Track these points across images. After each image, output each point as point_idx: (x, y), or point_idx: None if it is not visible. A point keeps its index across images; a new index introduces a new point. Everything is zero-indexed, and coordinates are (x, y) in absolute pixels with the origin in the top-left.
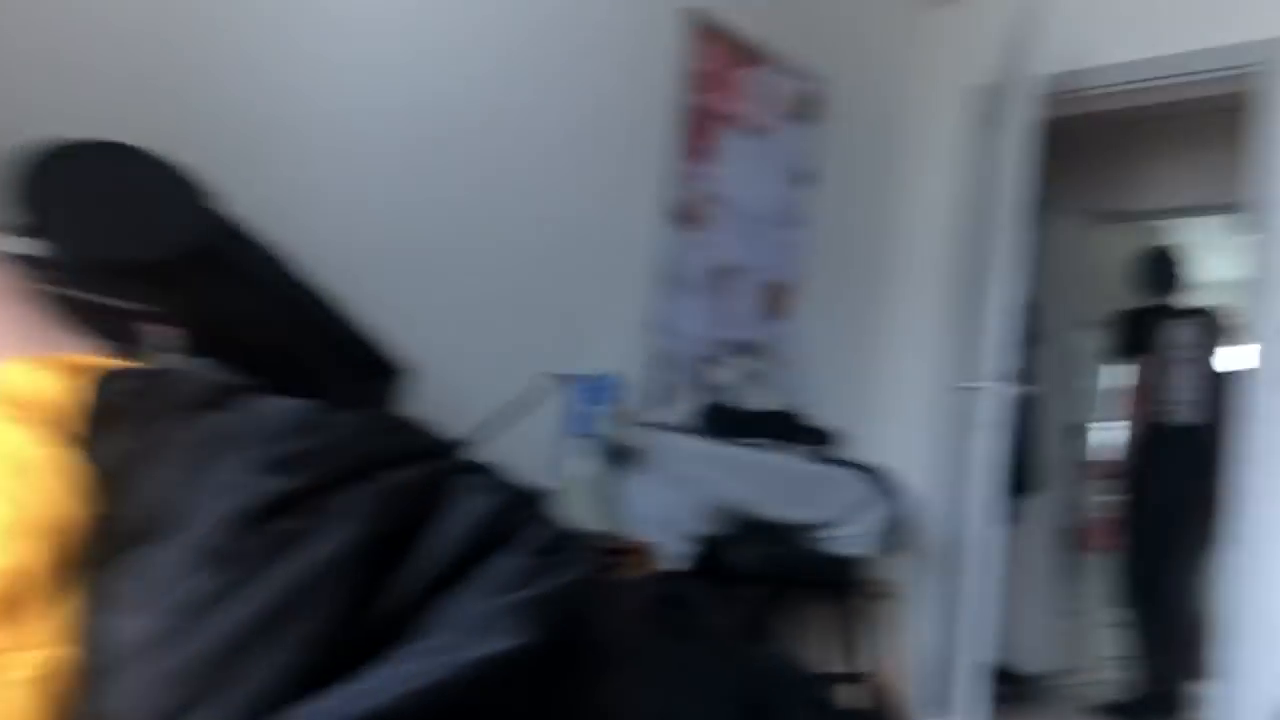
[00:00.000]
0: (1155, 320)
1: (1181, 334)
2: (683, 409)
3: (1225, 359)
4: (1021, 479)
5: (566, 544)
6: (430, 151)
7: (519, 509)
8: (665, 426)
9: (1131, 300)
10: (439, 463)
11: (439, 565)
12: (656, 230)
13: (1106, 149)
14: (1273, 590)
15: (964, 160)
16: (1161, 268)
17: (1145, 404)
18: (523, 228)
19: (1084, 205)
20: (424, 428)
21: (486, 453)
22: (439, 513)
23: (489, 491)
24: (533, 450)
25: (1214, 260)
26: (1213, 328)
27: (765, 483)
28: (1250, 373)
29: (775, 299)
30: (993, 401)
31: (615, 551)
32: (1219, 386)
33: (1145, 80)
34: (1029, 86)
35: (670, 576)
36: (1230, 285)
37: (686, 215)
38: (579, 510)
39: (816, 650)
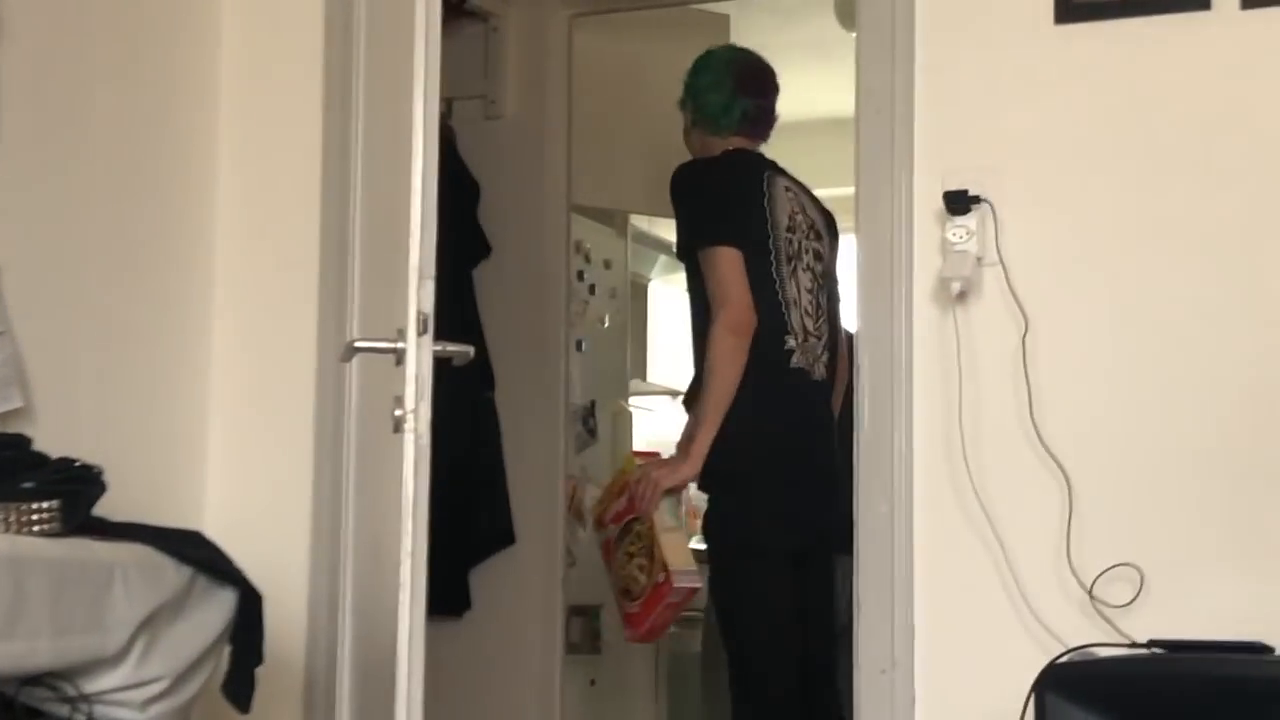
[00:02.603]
0: (756, 181)
1: (799, 209)
2: None
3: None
4: (471, 527)
5: None
6: None
7: None
8: None
9: (705, 142)
10: None
11: None
12: None
13: None
14: None
15: None
16: (760, 84)
17: (746, 334)
18: None
19: None
20: None
21: None
22: None
23: None
24: None
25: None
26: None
27: None
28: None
29: None
30: (416, 374)
31: None
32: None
33: None
34: None
35: None
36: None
37: None
38: None
39: None
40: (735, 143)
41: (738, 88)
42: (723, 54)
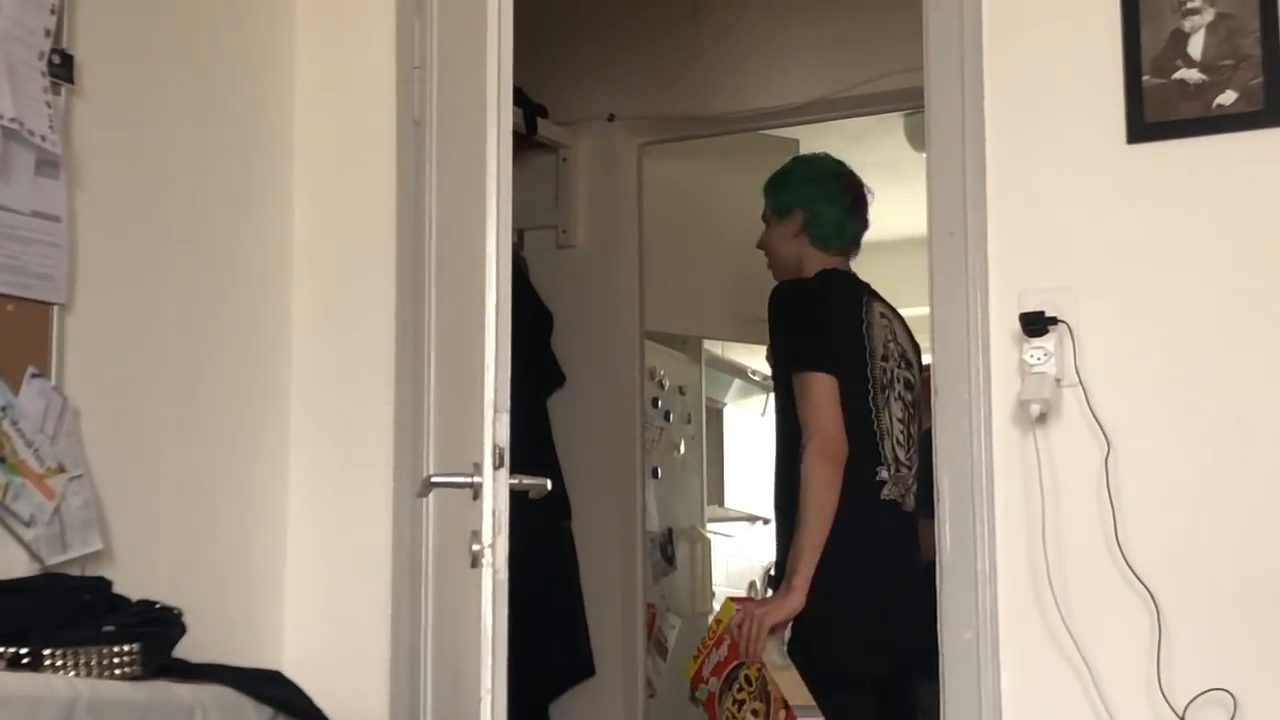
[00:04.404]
0: (857, 306)
1: (891, 336)
2: None
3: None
4: (550, 659)
5: None
6: None
7: None
8: None
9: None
10: None
11: None
12: None
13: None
14: None
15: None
16: (865, 204)
17: (839, 463)
18: None
19: (632, 109)
20: None
21: None
22: None
23: None
24: None
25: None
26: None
27: None
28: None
29: (12, 341)
30: (493, 509)
31: None
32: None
33: None
34: None
35: None
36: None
37: None
38: None
39: None
40: (834, 262)
41: (854, 205)
42: (830, 164)
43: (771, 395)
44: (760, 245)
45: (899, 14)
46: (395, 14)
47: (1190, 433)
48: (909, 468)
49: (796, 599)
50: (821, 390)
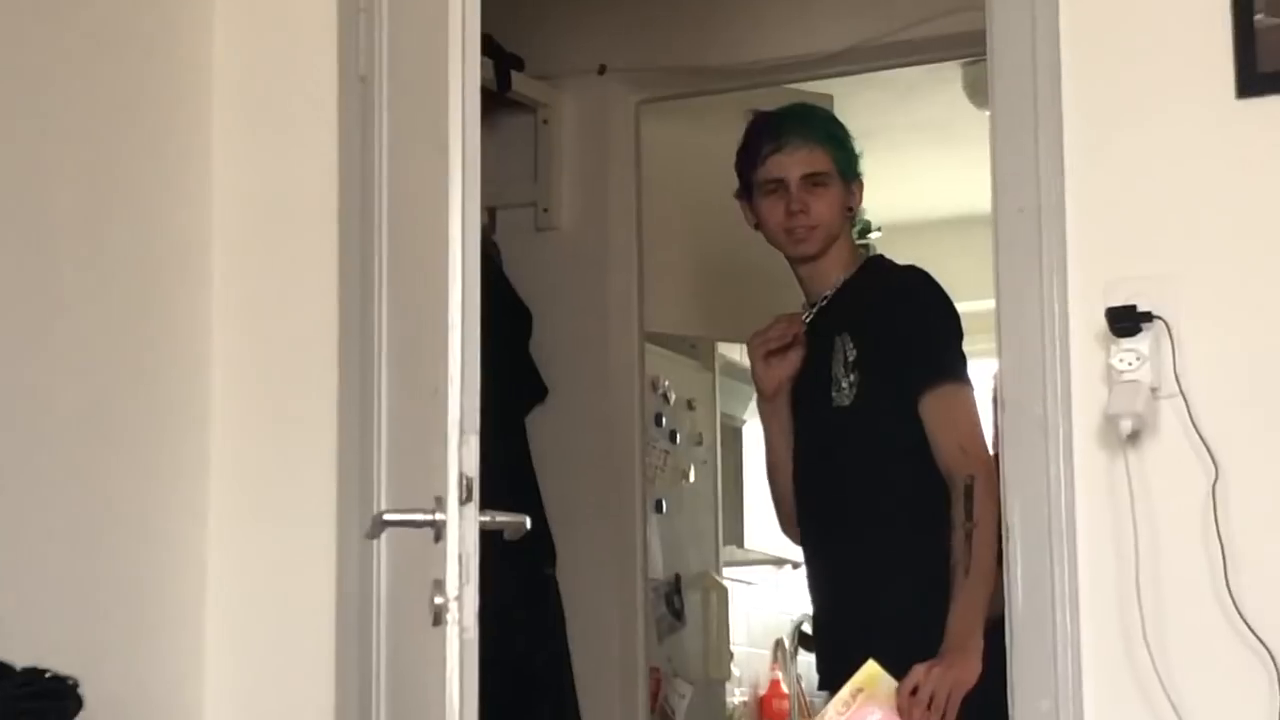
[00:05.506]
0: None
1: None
2: None
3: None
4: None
5: None
6: None
7: None
8: None
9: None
10: None
11: None
12: None
13: None
14: None
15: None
16: None
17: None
18: None
19: (627, 59)
20: None
21: None
22: None
23: None
24: None
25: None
26: None
27: None
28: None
29: None
30: (460, 552)
31: None
32: None
33: None
34: None
35: None
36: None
37: None
38: None
39: None
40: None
41: None
42: None
43: None
44: (803, 207)
45: None
46: None
47: None
48: None
49: (978, 662)
50: (977, 411)
